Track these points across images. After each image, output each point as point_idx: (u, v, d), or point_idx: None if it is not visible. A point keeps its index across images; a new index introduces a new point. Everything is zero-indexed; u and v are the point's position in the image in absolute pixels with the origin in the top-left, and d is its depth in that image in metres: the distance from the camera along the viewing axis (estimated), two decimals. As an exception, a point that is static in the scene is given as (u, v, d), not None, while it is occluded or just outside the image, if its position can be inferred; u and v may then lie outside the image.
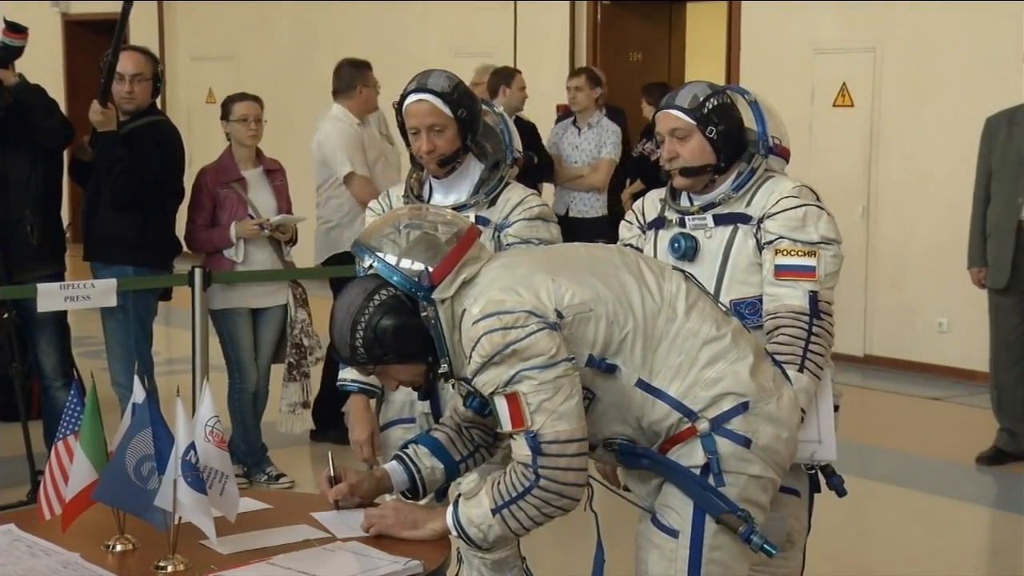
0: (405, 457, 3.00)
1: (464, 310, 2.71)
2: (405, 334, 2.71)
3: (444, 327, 2.72)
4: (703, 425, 2.77)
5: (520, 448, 2.69)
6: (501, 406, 2.68)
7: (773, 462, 2.83)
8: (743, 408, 2.78)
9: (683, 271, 2.97)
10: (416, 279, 2.71)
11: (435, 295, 2.71)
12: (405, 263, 2.73)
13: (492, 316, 2.66)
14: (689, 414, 2.77)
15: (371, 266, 2.75)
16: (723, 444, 2.77)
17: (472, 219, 3.48)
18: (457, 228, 2.81)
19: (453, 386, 2.86)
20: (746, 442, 2.78)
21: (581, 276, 2.78)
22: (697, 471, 2.78)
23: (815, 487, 3.35)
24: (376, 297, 2.71)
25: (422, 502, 3.02)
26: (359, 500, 2.95)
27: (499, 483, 2.73)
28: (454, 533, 2.76)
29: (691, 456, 2.79)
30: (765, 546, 2.78)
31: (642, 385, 2.77)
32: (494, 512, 2.71)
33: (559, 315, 2.70)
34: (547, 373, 2.65)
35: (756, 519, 2.81)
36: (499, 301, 2.68)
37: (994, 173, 6.54)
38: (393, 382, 2.84)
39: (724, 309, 2.98)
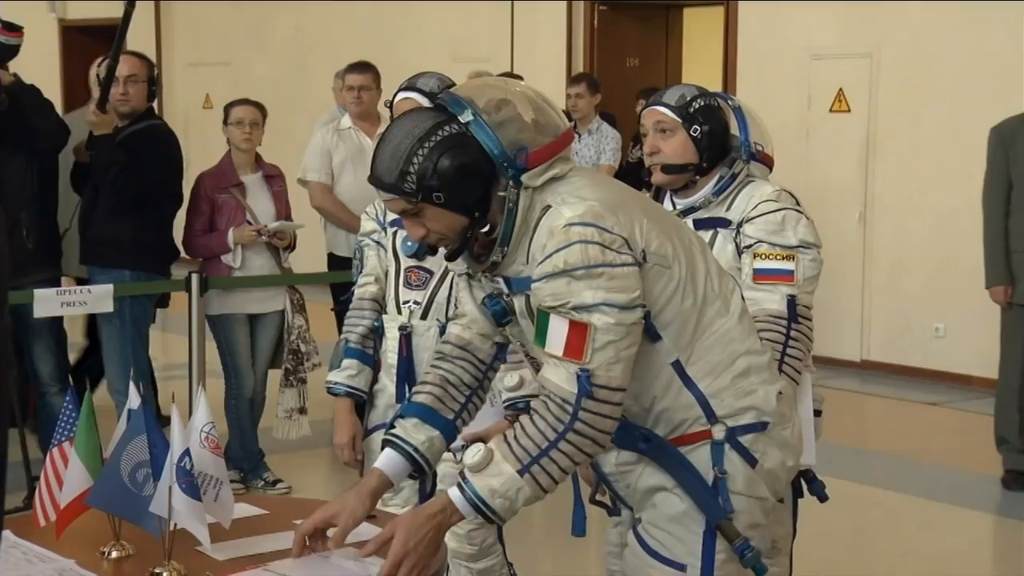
0: (395, 440, 2.71)
1: (548, 207, 2.49)
2: (466, 177, 2.45)
3: (519, 215, 2.50)
4: (720, 432, 2.62)
5: (562, 381, 2.44)
6: (558, 327, 2.44)
7: (772, 488, 2.71)
8: (761, 427, 2.65)
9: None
10: (513, 155, 2.48)
11: (524, 179, 2.49)
12: (503, 133, 2.48)
13: (592, 227, 2.43)
14: (710, 415, 2.62)
15: (466, 123, 2.48)
16: (730, 457, 2.64)
17: None
18: (558, 125, 2.58)
19: (479, 279, 2.63)
20: (752, 462, 2.66)
21: (666, 229, 2.57)
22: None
23: (798, 492, 3.33)
24: (446, 128, 2.46)
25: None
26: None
27: (519, 439, 2.46)
28: (471, 515, 2.49)
29: (694, 462, 2.65)
30: (757, 565, 2.66)
31: (677, 367, 2.60)
32: (522, 472, 2.44)
33: (644, 257, 2.50)
34: (626, 315, 2.44)
35: (752, 540, 2.67)
36: (599, 214, 2.45)
37: (1016, 184, 6.04)
38: (422, 229, 2.53)
39: None
